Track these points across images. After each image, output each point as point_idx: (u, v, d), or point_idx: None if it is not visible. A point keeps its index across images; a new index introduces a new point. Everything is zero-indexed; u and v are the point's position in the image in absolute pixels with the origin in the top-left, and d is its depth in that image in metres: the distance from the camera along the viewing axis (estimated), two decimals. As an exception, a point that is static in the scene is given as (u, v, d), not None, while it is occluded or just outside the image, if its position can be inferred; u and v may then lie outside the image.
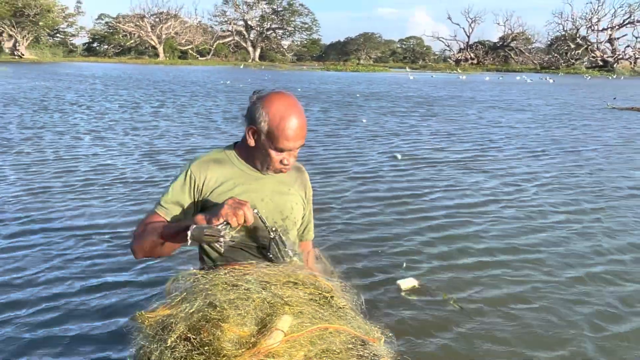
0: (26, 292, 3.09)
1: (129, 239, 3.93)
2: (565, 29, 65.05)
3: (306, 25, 76.04)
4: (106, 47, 72.57)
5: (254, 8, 72.85)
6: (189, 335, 1.19)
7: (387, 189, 5.62)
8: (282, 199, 1.84)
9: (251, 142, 1.72)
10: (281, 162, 1.73)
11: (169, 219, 1.72)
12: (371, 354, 1.29)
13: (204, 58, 69.77)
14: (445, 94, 20.94)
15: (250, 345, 1.17)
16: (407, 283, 3.13)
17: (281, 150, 1.69)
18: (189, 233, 1.42)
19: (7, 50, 55.83)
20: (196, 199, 1.76)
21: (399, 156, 7.16)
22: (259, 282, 1.32)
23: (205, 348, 1.16)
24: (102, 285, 3.26)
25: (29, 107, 12.30)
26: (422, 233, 4.19)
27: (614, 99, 19.15)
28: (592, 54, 61.39)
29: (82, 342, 2.62)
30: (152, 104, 13.80)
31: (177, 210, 1.75)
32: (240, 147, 1.82)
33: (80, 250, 3.77)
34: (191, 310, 1.22)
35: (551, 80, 33.98)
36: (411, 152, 7.76)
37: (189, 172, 1.76)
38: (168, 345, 1.18)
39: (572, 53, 61.82)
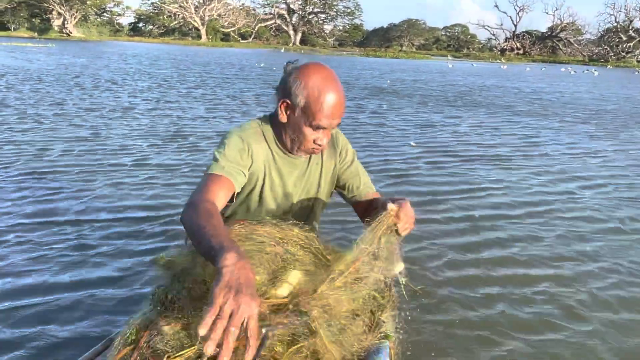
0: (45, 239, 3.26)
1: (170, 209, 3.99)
2: (617, 20, 62.35)
3: (349, 10, 75.43)
4: (151, 27, 74.09)
5: (296, -9, 72.79)
6: (205, 279, 1.22)
7: (416, 184, 5.15)
8: (309, 187, 1.75)
9: (283, 117, 1.57)
10: (315, 141, 1.58)
11: (235, 183, 1.53)
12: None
13: (245, 41, 70.30)
14: (473, 82, 20.51)
15: (261, 293, 1.18)
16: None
17: (317, 128, 1.54)
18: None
19: (56, 28, 57.69)
20: (248, 166, 1.60)
21: (413, 143, 7.10)
22: (273, 238, 1.34)
23: None
24: (125, 233, 3.42)
25: (55, 83, 12.45)
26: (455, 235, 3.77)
27: None
28: (646, 47, 58.68)
29: (107, 280, 2.79)
30: (185, 85, 13.80)
31: (239, 173, 1.55)
32: (273, 122, 1.67)
33: (101, 199, 4.00)
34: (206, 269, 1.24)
35: (596, 73, 32.76)
36: (429, 143, 7.35)
37: (242, 136, 1.60)
38: (185, 285, 1.23)
39: (624, 45, 59.22)
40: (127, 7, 69.92)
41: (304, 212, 1.77)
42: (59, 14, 57.23)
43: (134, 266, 2.99)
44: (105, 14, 66.97)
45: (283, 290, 1.22)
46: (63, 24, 57.82)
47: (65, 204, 3.98)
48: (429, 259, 3.30)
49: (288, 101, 1.53)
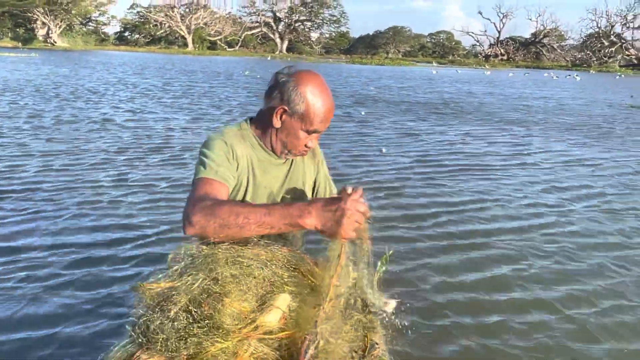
0: (10, 267, 3.03)
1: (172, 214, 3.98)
2: (599, 25, 63.35)
3: (334, 18, 75.77)
4: (137, 36, 73.82)
5: (282, -1, 73.08)
6: (190, 307, 1.18)
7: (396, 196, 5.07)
8: (293, 189, 1.78)
9: (277, 123, 1.62)
10: (306, 145, 1.66)
11: (230, 187, 1.55)
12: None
13: (232, 49, 70.32)
14: (449, 89, 20.66)
15: (250, 321, 1.16)
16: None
17: (312, 132, 1.63)
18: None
19: (40, 38, 57.25)
20: (235, 168, 1.61)
21: (384, 150, 7.07)
22: (260, 260, 1.30)
23: (206, 321, 1.15)
24: (103, 255, 3.23)
25: (34, 94, 12.15)
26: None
27: (631, 97, 18.68)
28: (627, 52, 59.56)
29: (82, 310, 2.60)
30: (169, 94, 13.61)
31: (230, 176, 1.56)
32: (254, 123, 1.71)
33: (76, 220, 3.79)
34: (195, 285, 1.20)
35: (578, 78, 33.22)
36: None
37: (224, 140, 1.62)
38: (169, 315, 1.17)
39: (606, 51, 60.11)
40: (113, 17, 69.52)
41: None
42: (43, 23, 56.83)
43: (112, 294, 2.81)
44: (90, 24, 66.66)
45: (273, 317, 1.19)
46: (47, 33, 57.41)
47: (38, 224, 3.75)
48: (419, 279, 3.13)
49: (285, 107, 1.58)
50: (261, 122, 1.67)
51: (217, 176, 1.50)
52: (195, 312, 1.17)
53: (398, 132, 8.86)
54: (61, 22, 57.30)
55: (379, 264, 1.43)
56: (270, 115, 1.61)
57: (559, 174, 6.14)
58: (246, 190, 1.67)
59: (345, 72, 29.76)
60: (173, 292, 1.22)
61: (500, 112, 12.83)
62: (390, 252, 1.46)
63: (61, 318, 2.57)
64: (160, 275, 1.30)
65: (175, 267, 1.30)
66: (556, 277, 3.24)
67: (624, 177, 6.09)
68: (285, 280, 1.29)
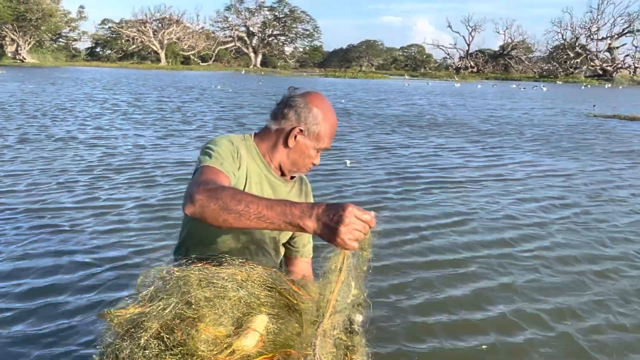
0: None
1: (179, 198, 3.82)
2: (564, 37, 65.30)
3: (308, 32, 76.55)
4: (109, 52, 73.14)
5: (255, 14, 73.47)
6: (161, 334, 1.13)
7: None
8: None
9: (292, 143, 1.65)
10: (313, 162, 1.70)
11: (232, 180, 1.51)
12: None
13: (205, 63, 70.20)
14: (410, 103, 20.98)
15: (226, 345, 1.12)
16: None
17: (321, 150, 1.68)
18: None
19: (9, 54, 56.26)
20: (237, 168, 1.58)
21: (349, 162, 6.99)
22: (235, 281, 1.24)
23: (179, 348, 1.10)
24: (66, 281, 3.05)
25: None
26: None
27: (594, 106, 19.27)
28: (592, 63, 61.48)
29: (43, 341, 2.44)
30: (139, 110, 13.28)
31: (232, 173, 1.53)
32: (258, 140, 1.71)
33: (37, 245, 3.60)
34: (166, 310, 1.15)
35: (544, 89, 34.12)
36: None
37: (231, 140, 1.61)
38: (140, 343, 1.11)
39: (571, 62, 61.96)
40: (84, 32, 68.69)
41: (272, 238, 1.77)
42: (12, 40, 55.89)
43: (77, 323, 2.64)
44: (60, 40, 65.83)
45: (250, 340, 1.15)
46: (16, 50, 56.46)
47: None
48: (397, 295, 3.03)
49: (302, 128, 1.62)
50: (268, 140, 1.69)
51: (222, 167, 1.49)
52: (167, 338, 1.12)
53: (372, 146, 8.81)
54: (30, 38, 56.44)
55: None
56: (285, 135, 1.65)
57: (532, 185, 6.16)
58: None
59: (320, 86, 29.92)
60: (143, 318, 1.16)
61: (471, 123, 12.97)
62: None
63: (19, 353, 2.40)
64: (128, 301, 1.25)
65: (144, 292, 1.23)
66: (539, 290, 3.17)
67: (596, 187, 6.19)
68: (262, 300, 1.24)
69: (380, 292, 3.06)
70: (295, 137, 1.63)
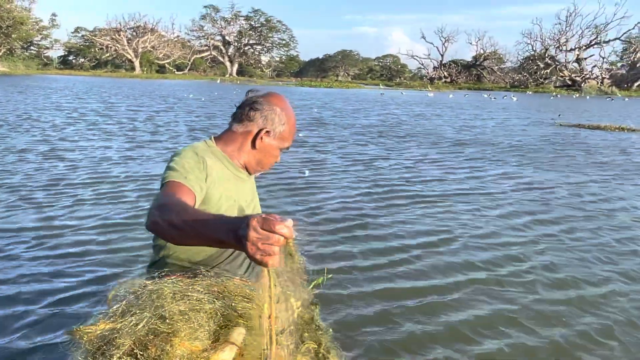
0: None
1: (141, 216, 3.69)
2: (534, 48, 66.90)
3: (284, 42, 76.78)
4: (82, 60, 72.23)
5: (231, 24, 73.44)
6: (135, 350, 1.08)
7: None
8: (256, 202, 1.86)
9: (259, 144, 1.70)
10: (275, 160, 1.79)
11: (196, 194, 1.49)
12: None
13: (181, 72, 69.85)
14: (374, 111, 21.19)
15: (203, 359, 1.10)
16: None
17: (283, 149, 1.76)
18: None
19: (-21, 62, 55.27)
20: (205, 181, 1.57)
21: (307, 172, 6.93)
22: (211, 292, 1.21)
23: None
24: (34, 296, 3.01)
25: None
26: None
27: (559, 116, 19.84)
28: (561, 73, 63.06)
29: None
30: (109, 121, 13.02)
31: (200, 185, 1.52)
32: (221, 143, 1.74)
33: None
34: (139, 325, 1.10)
35: (514, 99, 34.87)
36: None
37: (197, 152, 1.60)
38: None
39: (541, 72, 63.48)
40: (56, 40, 67.72)
41: None
42: (-19, 47, 54.86)
43: (43, 343, 2.54)
44: (32, 48, 64.78)
45: (227, 354, 1.12)
46: (-14, 58, 55.41)
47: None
48: (380, 321, 2.91)
49: (268, 129, 1.68)
50: (233, 142, 1.72)
51: (185, 181, 1.48)
52: (141, 355, 1.07)
53: (348, 159, 8.54)
54: (0, 46, 55.41)
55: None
56: (251, 137, 1.70)
57: (514, 197, 6.05)
58: (219, 203, 1.64)
59: (296, 96, 30.02)
60: (115, 335, 1.10)
61: (447, 134, 12.92)
62: (330, 276, 1.40)
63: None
64: (100, 315, 1.18)
65: (116, 306, 1.17)
66: (536, 314, 3.05)
67: (574, 198, 6.20)
68: (239, 312, 1.19)
69: (362, 315, 2.93)
70: (262, 138, 1.69)
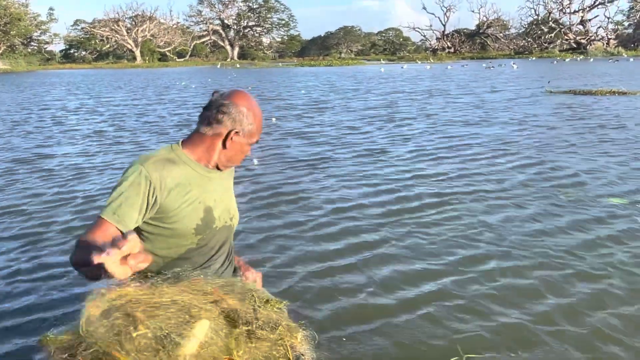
0: None
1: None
2: (537, 13, 65.42)
3: (283, 22, 76.13)
4: (83, 53, 72.42)
5: (229, 6, 72.89)
6: (109, 352, 1.14)
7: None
8: (228, 196, 1.91)
9: (229, 144, 1.75)
10: (245, 155, 1.85)
11: (122, 229, 1.54)
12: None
13: (182, 59, 69.72)
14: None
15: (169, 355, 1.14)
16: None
17: (252, 144, 1.82)
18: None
19: (-20, 62, 55.68)
20: (150, 204, 1.63)
21: (256, 161, 6.75)
22: (170, 293, 1.26)
23: None
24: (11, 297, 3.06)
25: None
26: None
27: (548, 82, 19.47)
28: (565, 37, 61.74)
29: None
30: (94, 116, 12.87)
31: (131, 218, 1.59)
32: (190, 146, 1.78)
33: None
34: (91, 348, 1.15)
35: (515, 66, 34.17)
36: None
37: (143, 172, 1.62)
38: None
39: (546, 37, 62.18)
40: (55, 35, 67.83)
41: (227, 226, 1.89)
42: (-18, 46, 55.24)
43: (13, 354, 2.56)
44: (32, 43, 65.04)
45: (191, 347, 1.17)
46: (-13, 56, 55.81)
47: None
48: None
49: (238, 130, 1.73)
50: (202, 145, 1.76)
51: (112, 217, 1.54)
52: (117, 357, 1.14)
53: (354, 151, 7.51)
54: (0, 44, 55.73)
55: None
56: (221, 139, 1.74)
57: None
58: (178, 209, 1.69)
59: (291, 76, 29.71)
60: (87, 340, 1.16)
61: (442, 114, 11.75)
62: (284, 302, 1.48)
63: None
64: (64, 327, 1.25)
65: (80, 319, 1.22)
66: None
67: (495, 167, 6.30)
68: (200, 306, 1.26)
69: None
70: (232, 139, 1.74)
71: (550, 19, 62.87)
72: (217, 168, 1.81)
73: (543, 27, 62.71)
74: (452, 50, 69.92)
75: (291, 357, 1.33)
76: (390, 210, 4.63)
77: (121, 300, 1.22)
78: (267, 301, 1.43)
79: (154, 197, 1.61)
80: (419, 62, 53.26)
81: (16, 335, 2.69)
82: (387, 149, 7.59)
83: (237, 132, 1.73)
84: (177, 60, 68.94)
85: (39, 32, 63.23)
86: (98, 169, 6.71)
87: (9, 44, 57.07)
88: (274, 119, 7.03)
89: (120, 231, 1.52)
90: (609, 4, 60.09)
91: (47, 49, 68.77)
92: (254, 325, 1.31)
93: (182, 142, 1.79)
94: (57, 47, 72.96)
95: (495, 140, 8.04)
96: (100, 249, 1.14)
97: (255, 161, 6.86)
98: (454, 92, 17.32)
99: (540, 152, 6.98)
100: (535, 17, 65.24)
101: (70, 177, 6.22)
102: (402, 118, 10.96)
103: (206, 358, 1.19)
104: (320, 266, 3.48)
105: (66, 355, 1.18)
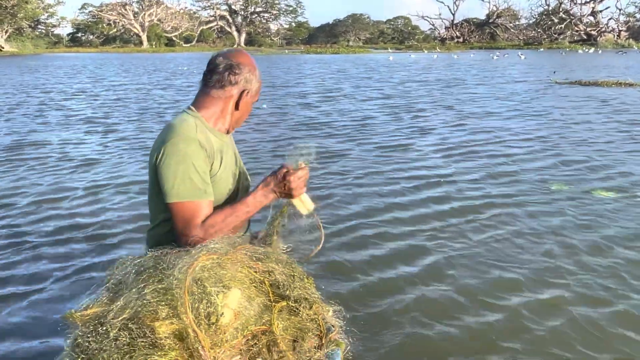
0: None
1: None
2: (547, 3, 64.49)
3: (291, 8, 75.57)
4: (91, 37, 72.32)
5: (237, -8, 72.38)
6: (128, 324, 1.20)
7: None
8: (239, 158, 1.92)
9: (242, 105, 1.76)
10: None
11: (211, 198, 1.65)
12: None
13: (189, 44, 69.49)
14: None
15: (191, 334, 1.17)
16: None
17: (255, 102, 1.87)
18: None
19: (-13, 44, 55.72)
20: (208, 170, 1.68)
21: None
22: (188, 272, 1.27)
23: (144, 340, 1.18)
24: (30, 281, 3.10)
25: None
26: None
27: (554, 73, 19.23)
28: (576, 28, 60.91)
29: (12, 339, 2.52)
30: (90, 104, 12.38)
31: (210, 185, 1.66)
32: (204, 111, 1.75)
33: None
34: (122, 316, 1.21)
35: (522, 57, 33.79)
36: None
37: (197, 141, 1.63)
38: (112, 334, 1.18)
39: (556, 28, 61.37)
40: (62, 18, 67.68)
41: (245, 187, 1.91)
42: (-11, 29, 55.22)
43: (43, 323, 2.66)
44: (40, 26, 64.97)
45: (225, 318, 1.22)
46: (-6, 39, 55.80)
47: None
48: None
49: (247, 90, 1.75)
50: (215, 107, 1.74)
51: (204, 195, 1.61)
52: (135, 328, 1.19)
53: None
54: (8, 26, 55.71)
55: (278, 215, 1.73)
56: (233, 100, 1.74)
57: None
58: (218, 174, 1.72)
59: (299, 65, 29.48)
60: (110, 311, 1.24)
61: (457, 104, 11.35)
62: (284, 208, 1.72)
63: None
64: (87, 301, 1.32)
65: (102, 288, 1.35)
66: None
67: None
68: (231, 274, 1.31)
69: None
70: (243, 99, 1.75)
71: (560, 9, 61.97)
72: (227, 131, 1.82)
73: (553, 18, 61.85)
74: (460, 39, 69.20)
75: (323, 330, 1.37)
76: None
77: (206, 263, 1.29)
78: (307, 277, 1.48)
79: (211, 164, 1.67)
80: (426, 51, 52.81)
81: (47, 309, 2.78)
82: (412, 143, 7.09)
83: (247, 92, 1.75)
84: (184, 45, 68.72)
85: (46, 15, 63.08)
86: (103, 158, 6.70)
87: (16, 26, 57.01)
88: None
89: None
90: (620, -5, 59.02)
91: (54, 32, 68.74)
92: (293, 301, 1.36)
93: (195, 107, 1.76)
94: (65, 30, 73.02)
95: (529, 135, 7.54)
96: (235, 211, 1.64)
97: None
98: (471, 81, 17.08)
99: (575, 149, 6.54)
100: (546, 7, 64.36)
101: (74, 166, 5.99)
102: (419, 109, 10.52)
103: (244, 327, 1.25)
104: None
105: (95, 322, 1.24)
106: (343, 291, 2.95)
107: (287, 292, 1.36)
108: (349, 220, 4.08)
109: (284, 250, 1.63)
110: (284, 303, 1.34)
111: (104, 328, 1.19)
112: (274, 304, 1.33)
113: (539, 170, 5.46)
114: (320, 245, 1.71)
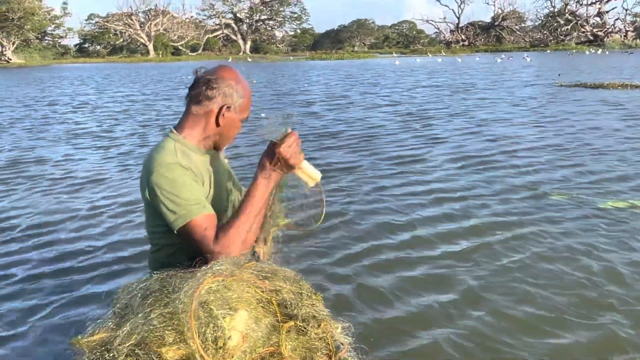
0: None
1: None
2: (553, 4, 64.16)
3: (295, 15, 75.76)
4: (98, 47, 72.80)
5: (242, 0, 72.69)
6: (136, 350, 1.20)
7: None
8: (232, 173, 1.91)
9: (222, 121, 1.70)
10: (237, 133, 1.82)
11: (210, 212, 1.62)
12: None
13: (195, 53, 69.75)
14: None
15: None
16: None
17: (244, 120, 1.78)
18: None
19: (-5, 56, 56.18)
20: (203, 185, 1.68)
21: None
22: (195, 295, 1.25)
23: None
24: (40, 297, 3.07)
25: None
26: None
27: (559, 75, 18.99)
28: (582, 29, 60.52)
29: None
30: (93, 116, 12.41)
31: (209, 204, 1.65)
32: (186, 130, 1.72)
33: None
34: (128, 342, 1.21)
35: (528, 59, 33.47)
36: None
37: (182, 165, 1.61)
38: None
39: (562, 29, 61.02)
40: (69, 29, 68.11)
41: (229, 205, 1.85)
42: (-3, 41, 55.67)
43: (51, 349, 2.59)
44: (47, 38, 65.45)
45: (232, 341, 1.20)
46: (1, 50, 56.21)
47: None
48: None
49: (229, 105, 1.68)
50: (196, 126, 1.70)
51: (205, 210, 1.58)
52: (141, 355, 1.19)
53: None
54: (15, 38, 56.14)
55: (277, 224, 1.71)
56: (213, 116, 1.69)
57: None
58: (209, 192, 1.72)
59: (302, 73, 29.48)
60: (118, 335, 1.24)
61: (471, 111, 10.83)
62: (288, 220, 1.68)
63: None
64: (93, 327, 1.30)
65: (110, 313, 1.35)
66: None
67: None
68: (238, 295, 1.28)
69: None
70: (224, 115, 1.68)
71: (566, 10, 61.66)
72: (214, 148, 1.78)
73: (559, 19, 61.53)
74: (466, 43, 69.01)
75: (332, 348, 1.33)
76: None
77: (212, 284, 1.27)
78: (315, 293, 1.44)
79: (202, 184, 1.66)
80: (430, 55, 52.59)
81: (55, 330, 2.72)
82: (426, 152, 6.74)
83: (228, 107, 1.68)
84: (190, 54, 68.99)
85: (53, 26, 63.51)
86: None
87: (23, 38, 57.44)
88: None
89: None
90: (627, -5, 58.66)
91: (61, 44, 69.22)
92: (301, 320, 1.32)
93: (177, 128, 1.73)
94: (72, 41, 73.56)
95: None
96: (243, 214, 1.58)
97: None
98: (480, 86, 16.74)
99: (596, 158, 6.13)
100: (552, 9, 64.02)
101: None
102: (429, 116, 10.06)
103: (252, 350, 1.22)
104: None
105: (102, 349, 1.23)
106: (351, 305, 2.84)
107: (295, 310, 1.33)
108: (365, 240, 3.83)
109: (275, 252, 1.65)
110: (291, 323, 1.31)
111: (111, 354, 1.19)
112: (281, 324, 1.30)
113: (562, 182, 5.20)
114: (323, 213, 1.69)
